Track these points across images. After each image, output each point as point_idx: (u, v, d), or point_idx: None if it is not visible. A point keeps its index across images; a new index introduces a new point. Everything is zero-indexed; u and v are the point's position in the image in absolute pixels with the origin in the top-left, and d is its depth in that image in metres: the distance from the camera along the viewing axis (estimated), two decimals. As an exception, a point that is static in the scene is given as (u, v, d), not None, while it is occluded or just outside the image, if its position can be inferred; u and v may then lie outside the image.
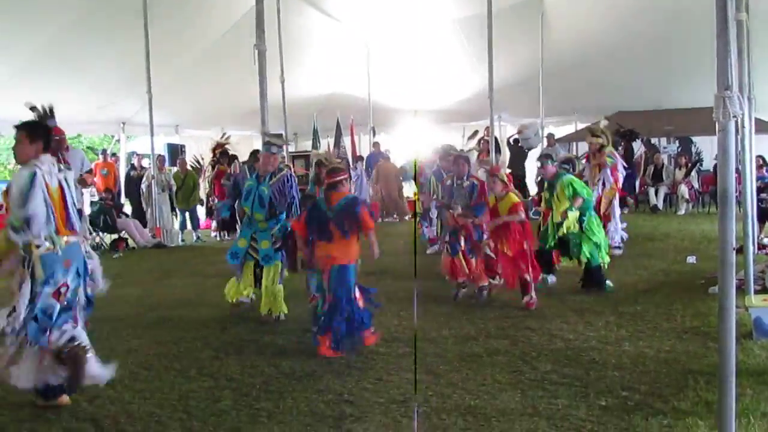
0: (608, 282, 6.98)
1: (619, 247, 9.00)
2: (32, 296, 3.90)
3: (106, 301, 6.65)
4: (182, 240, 13.23)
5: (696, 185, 14.77)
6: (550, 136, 15.25)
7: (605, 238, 7.41)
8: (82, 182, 7.93)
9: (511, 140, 15.99)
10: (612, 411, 3.82)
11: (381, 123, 17.79)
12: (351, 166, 14.56)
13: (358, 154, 17.07)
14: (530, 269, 6.44)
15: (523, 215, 6.53)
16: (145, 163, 14.19)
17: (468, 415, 3.83)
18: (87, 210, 11.25)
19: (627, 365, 4.61)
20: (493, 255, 6.56)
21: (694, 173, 14.82)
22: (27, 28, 11.09)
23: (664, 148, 16.02)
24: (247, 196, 6.19)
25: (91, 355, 4.13)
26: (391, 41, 15.99)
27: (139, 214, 13.49)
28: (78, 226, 4.13)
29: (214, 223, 14.03)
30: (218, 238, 13.58)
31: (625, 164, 9.89)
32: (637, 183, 15.21)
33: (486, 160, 11.33)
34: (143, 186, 13.25)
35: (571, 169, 7.52)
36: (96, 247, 11.41)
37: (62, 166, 4.18)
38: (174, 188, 13.07)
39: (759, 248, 8.22)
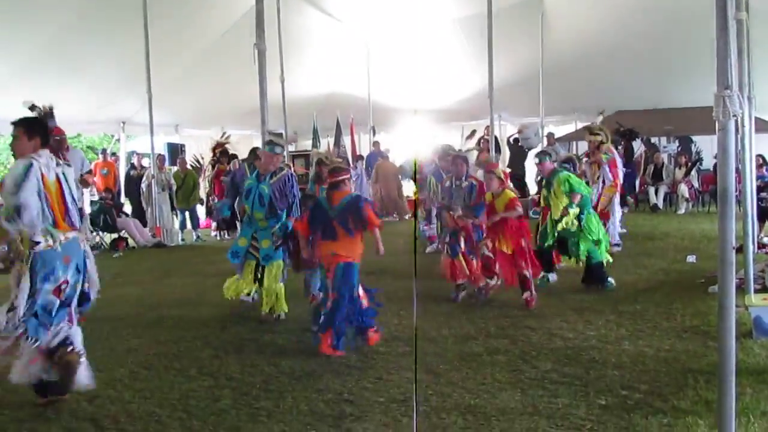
0: (610, 279, 6.97)
1: (618, 245, 9.01)
2: (32, 292, 3.90)
3: (106, 301, 6.65)
4: (182, 239, 13.23)
5: (696, 184, 14.78)
6: (550, 135, 15.26)
7: (605, 236, 7.39)
8: (83, 182, 7.93)
9: (511, 140, 16.00)
10: (612, 410, 3.82)
11: (381, 122, 17.78)
12: (351, 165, 14.56)
13: (358, 153, 17.07)
14: (529, 266, 6.45)
15: (520, 210, 6.55)
16: (145, 162, 14.20)
17: (468, 414, 3.83)
18: (87, 209, 11.24)
19: (627, 364, 4.61)
20: (491, 255, 6.55)
21: (693, 172, 14.83)
22: (27, 28, 11.10)
23: (664, 147, 16.02)
24: (247, 195, 6.19)
25: (83, 360, 4.13)
26: (391, 41, 15.99)
27: (139, 214, 13.50)
28: (78, 222, 4.12)
29: (214, 223, 14.03)
30: (218, 238, 13.59)
31: (623, 160, 9.89)
32: (637, 182, 15.22)
33: (485, 158, 11.32)
34: (143, 185, 13.25)
35: (571, 169, 7.53)
36: (96, 247, 11.43)
37: (61, 162, 4.17)
38: (174, 187, 13.07)
39: (759, 247, 8.22)
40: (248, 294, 6.33)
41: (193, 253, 11.75)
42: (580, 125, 16.42)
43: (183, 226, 13.55)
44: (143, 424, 3.88)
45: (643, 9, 13.10)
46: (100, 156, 15.25)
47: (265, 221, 6.14)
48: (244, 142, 16.15)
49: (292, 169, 7.01)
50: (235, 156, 13.40)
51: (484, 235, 6.61)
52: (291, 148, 15.02)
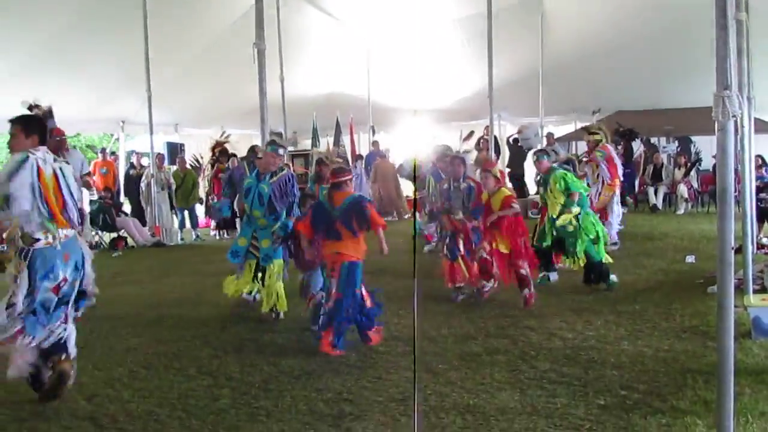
0: (613, 276, 6.97)
1: (615, 244, 9.01)
2: (30, 289, 3.88)
3: (105, 300, 6.66)
4: (181, 239, 13.23)
5: (695, 185, 14.78)
6: (550, 135, 15.26)
7: (604, 234, 7.37)
8: (86, 184, 7.93)
9: (510, 140, 16.01)
10: (611, 410, 3.82)
11: (380, 122, 17.77)
12: (351, 164, 14.55)
13: (357, 152, 17.06)
14: (526, 264, 6.44)
15: (517, 208, 6.53)
16: (145, 161, 14.19)
17: (467, 414, 3.83)
18: (87, 208, 11.24)
19: (626, 364, 4.61)
20: (488, 257, 6.50)
21: (693, 173, 14.83)
22: (26, 27, 11.09)
23: (664, 147, 16.02)
24: (246, 194, 6.19)
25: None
26: (390, 40, 15.98)
27: (138, 213, 13.49)
28: (76, 219, 4.09)
29: (213, 222, 14.03)
30: (217, 237, 13.59)
31: (622, 160, 9.90)
32: (637, 182, 15.23)
33: (484, 157, 11.31)
34: (142, 185, 13.24)
35: (571, 170, 7.53)
36: (95, 246, 11.42)
37: (59, 158, 4.16)
38: (173, 187, 13.07)
39: (758, 248, 8.23)
40: (249, 293, 6.33)
41: (192, 252, 11.75)
42: (579, 125, 16.41)
43: (182, 225, 13.55)
44: (142, 423, 3.88)
45: (643, 9, 13.09)
46: (100, 155, 15.24)
47: (264, 220, 6.14)
48: (243, 141, 16.14)
49: (292, 168, 7.01)
50: (233, 155, 13.40)
51: (482, 236, 6.60)
52: (291, 148, 14.99)
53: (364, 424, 3.74)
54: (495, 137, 13.98)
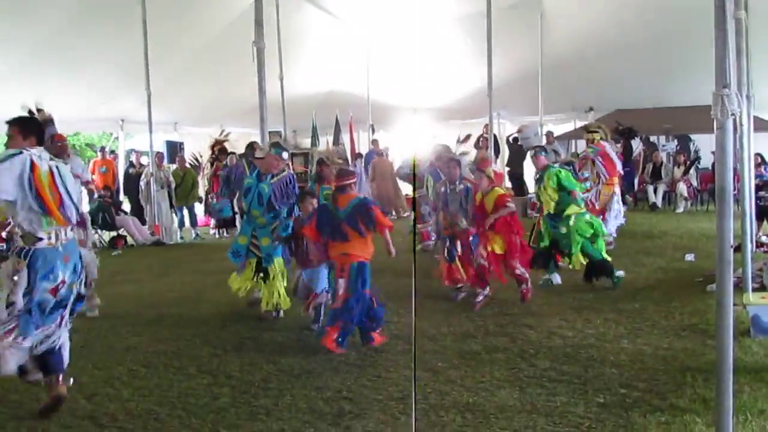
0: (620, 272, 6.96)
1: (609, 244, 8.98)
2: (29, 288, 3.86)
3: (104, 299, 6.72)
4: (181, 237, 13.23)
5: (694, 183, 14.79)
6: (549, 133, 15.26)
7: (603, 231, 7.32)
8: (89, 192, 7.95)
9: (510, 139, 16.01)
10: (610, 408, 3.83)
11: (380, 121, 17.76)
12: (351, 163, 14.55)
13: (357, 151, 17.06)
14: (521, 263, 6.41)
15: (512, 206, 6.46)
16: (144, 160, 14.17)
17: (466, 412, 3.84)
18: (86, 208, 11.23)
19: (625, 362, 4.62)
20: (486, 263, 6.39)
21: (692, 171, 14.84)
22: (25, 26, 11.06)
23: (663, 146, 16.03)
24: (246, 194, 6.19)
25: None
26: (390, 39, 15.97)
27: (137, 212, 13.48)
28: (74, 218, 4.07)
29: (213, 221, 14.02)
30: (217, 236, 13.58)
31: (621, 159, 9.89)
32: (636, 181, 15.23)
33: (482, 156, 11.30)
34: (142, 183, 13.23)
35: (572, 170, 7.53)
36: (94, 245, 11.40)
37: (55, 159, 4.14)
38: (173, 185, 13.06)
39: (757, 246, 8.23)
40: (260, 290, 6.32)
41: (191, 251, 11.75)
42: (578, 124, 16.43)
43: (182, 224, 13.55)
44: (142, 422, 3.88)
45: (642, 8, 13.09)
46: (99, 154, 15.24)
47: (263, 219, 6.14)
48: (243, 139, 16.08)
49: (291, 167, 7.01)
50: (232, 153, 13.39)
51: (479, 240, 6.54)
52: (294, 150, 14.97)
53: (364, 423, 3.75)
54: (495, 136, 13.99)
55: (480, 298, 6.34)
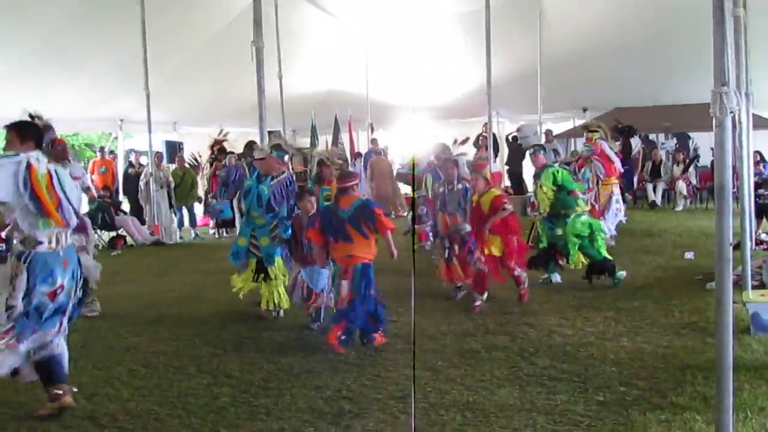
0: (622, 272, 6.95)
1: (610, 247, 8.97)
2: (27, 292, 3.85)
3: (104, 299, 6.71)
4: (180, 237, 13.22)
5: (694, 181, 14.79)
6: (549, 132, 15.27)
7: (600, 228, 7.30)
8: (91, 198, 7.95)
9: (510, 138, 16.01)
10: (610, 406, 3.83)
11: (379, 119, 17.76)
12: (350, 162, 14.54)
13: (356, 150, 17.05)
14: (519, 262, 6.39)
15: (509, 207, 6.36)
16: (143, 160, 14.16)
17: (466, 411, 3.84)
18: (85, 208, 11.22)
19: (625, 361, 4.62)
20: (484, 268, 6.31)
21: (691, 169, 14.84)
22: (24, 26, 11.05)
23: (662, 144, 16.01)
24: (246, 195, 6.20)
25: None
26: (388, 37, 15.96)
27: (137, 212, 13.47)
28: (73, 220, 4.06)
29: (212, 221, 14.01)
30: (216, 236, 13.58)
31: (621, 158, 9.87)
32: (635, 179, 15.23)
33: (480, 156, 11.30)
34: (141, 183, 13.22)
35: (571, 171, 7.52)
36: (96, 247, 11.39)
37: (53, 162, 4.14)
38: (172, 185, 13.06)
39: (757, 244, 8.24)
40: (275, 309, 6.29)
41: (191, 250, 11.75)
42: (578, 122, 16.43)
43: (181, 223, 13.53)
44: (142, 422, 3.88)
45: (641, 5, 13.09)
46: (98, 154, 15.22)
47: (262, 219, 6.14)
48: (242, 139, 16.07)
49: (291, 167, 7.01)
50: (231, 152, 13.39)
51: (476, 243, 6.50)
52: (296, 153, 14.96)
53: (364, 422, 3.75)
54: (494, 135, 13.99)
55: (477, 303, 6.25)
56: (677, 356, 4.67)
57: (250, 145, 7.55)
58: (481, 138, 14.15)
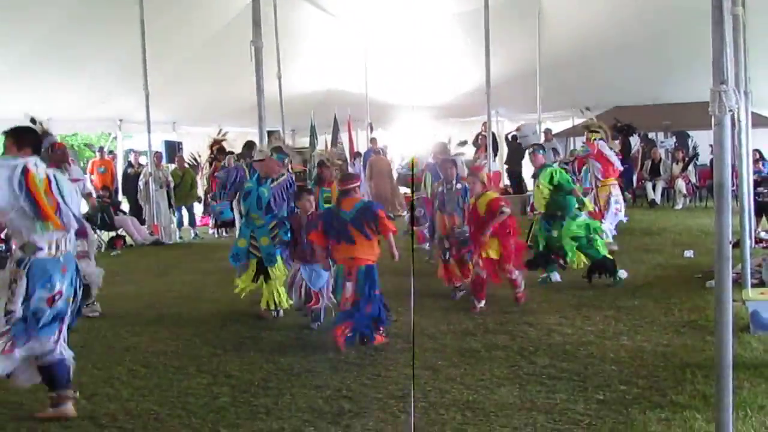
0: (622, 272, 6.95)
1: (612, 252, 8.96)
2: (26, 296, 3.82)
3: (104, 299, 6.71)
4: (180, 237, 13.22)
5: (693, 179, 14.80)
6: (548, 131, 15.28)
7: (598, 229, 7.29)
8: (92, 206, 7.98)
9: (509, 137, 16.02)
10: (610, 405, 3.83)
11: (378, 119, 17.76)
12: (350, 162, 14.53)
13: (355, 150, 17.04)
14: (516, 263, 6.36)
15: (507, 210, 6.25)
16: (143, 160, 14.16)
17: (466, 410, 3.84)
18: (85, 208, 11.21)
19: (625, 359, 4.62)
20: (483, 273, 6.22)
21: (691, 167, 14.85)
22: (22, 26, 11.04)
23: (662, 142, 16.03)
24: (246, 197, 6.20)
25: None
26: (388, 36, 15.96)
27: (136, 212, 13.47)
28: (72, 225, 4.06)
29: (212, 220, 14.02)
30: (216, 235, 13.58)
31: (620, 157, 9.87)
32: (635, 178, 15.24)
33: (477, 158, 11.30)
34: (141, 183, 13.22)
35: (569, 170, 7.52)
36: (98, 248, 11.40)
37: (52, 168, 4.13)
38: (172, 185, 13.06)
39: (756, 242, 8.24)
40: (275, 309, 6.28)
41: (191, 250, 11.75)
42: (577, 121, 16.44)
43: (180, 223, 13.53)
44: (142, 422, 3.88)
45: (640, 4, 13.11)
46: (98, 154, 15.22)
47: (261, 220, 6.15)
48: (241, 139, 16.08)
49: (290, 167, 7.01)
50: (231, 152, 13.39)
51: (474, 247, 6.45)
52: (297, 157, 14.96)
53: (364, 421, 3.75)
54: (493, 134, 13.98)
55: (476, 308, 6.19)
56: (677, 355, 4.68)
57: (249, 145, 7.55)
58: (480, 137, 14.15)
